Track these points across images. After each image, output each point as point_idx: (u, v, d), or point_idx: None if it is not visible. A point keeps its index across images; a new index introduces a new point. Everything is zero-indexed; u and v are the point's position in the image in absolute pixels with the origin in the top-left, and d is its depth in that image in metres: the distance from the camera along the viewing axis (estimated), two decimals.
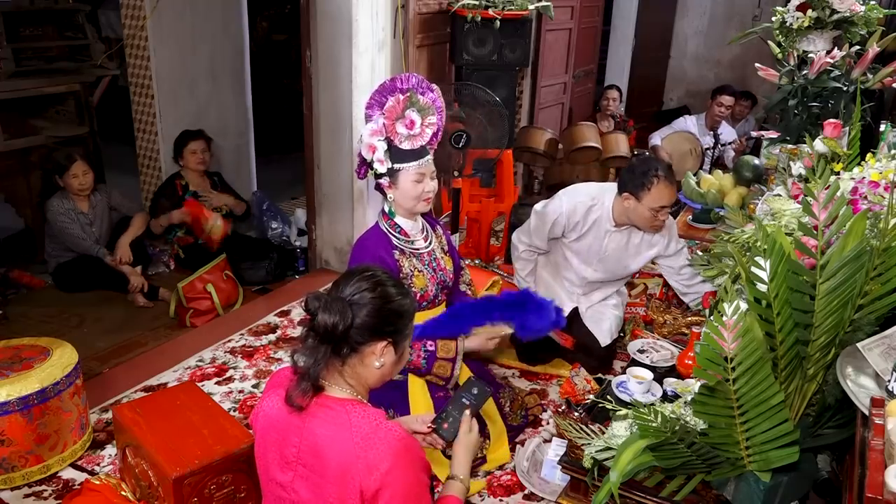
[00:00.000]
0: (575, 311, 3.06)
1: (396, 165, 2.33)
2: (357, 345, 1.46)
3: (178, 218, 3.95)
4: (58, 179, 3.73)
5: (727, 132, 5.33)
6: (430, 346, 2.36)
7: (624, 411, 1.92)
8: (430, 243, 2.50)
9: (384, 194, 2.41)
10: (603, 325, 3.03)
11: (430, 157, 2.40)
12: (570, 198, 2.90)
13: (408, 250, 2.42)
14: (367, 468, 1.37)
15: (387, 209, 2.43)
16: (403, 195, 2.37)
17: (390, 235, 2.41)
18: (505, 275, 3.86)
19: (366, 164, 2.39)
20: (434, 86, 2.41)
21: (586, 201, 2.87)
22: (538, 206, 2.99)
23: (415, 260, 2.42)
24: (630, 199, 2.72)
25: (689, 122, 5.38)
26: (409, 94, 2.33)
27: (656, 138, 5.28)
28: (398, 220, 2.42)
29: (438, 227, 2.62)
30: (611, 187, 2.87)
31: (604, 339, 3.00)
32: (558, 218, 2.88)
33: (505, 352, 3.10)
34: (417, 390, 2.39)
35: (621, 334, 3.20)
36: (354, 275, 1.51)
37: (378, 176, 2.37)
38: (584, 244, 2.93)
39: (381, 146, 2.31)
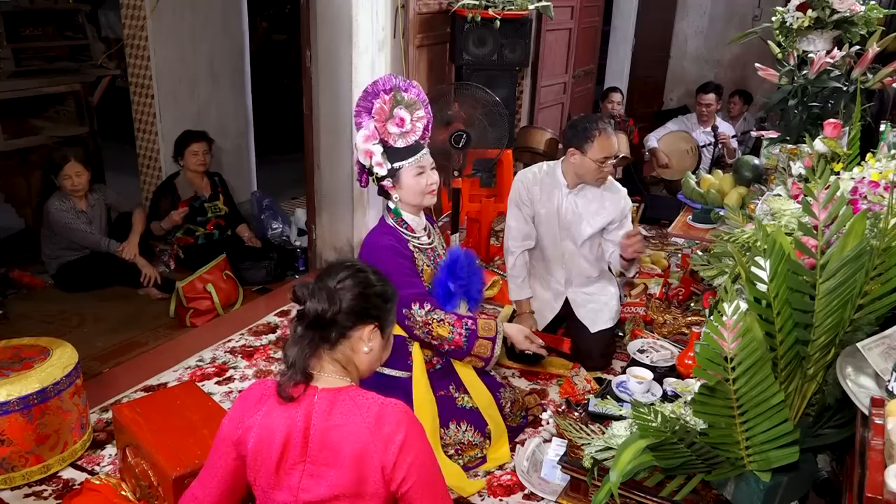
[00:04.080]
0: (569, 312, 3.07)
1: (396, 164, 2.35)
2: (345, 330, 1.51)
3: (180, 217, 3.95)
4: (55, 179, 3.73)
5: (724, 127, 5.36)
6: (471, 324, 2.37)
7: (624, 411, 1.92)
8: (432, 240, 2.53)
9: (388, 196, 2.42)
10: (594, 314, 3.04)
11: (426, 150, 2.42)
12: (520, 174, 3.08)
13: (415, 245, 2.44)
14: (384, 443, 1.43)
15: (392, 207, 2.44)
16: (409, 192, 2.38)
17: (399, 230, 2.42)
18: (505, 274, 3.85)
19: (365, 171, 2.41)
20: (414, 82, 2.43)
21: (535, 170, 3.05)
22: None
23: (422, 255, 2.44)
24: (576, 154, 2.85)
25: (682, 122, 5.45)
26: (393, 93, 2.34)
27: (652, 140, 5.31)
28: (404, 216, 2.44)
29: (436, 226, 2.64)
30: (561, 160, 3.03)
31: (593, 325, 3.02)
32: (519, 194, 3.02)
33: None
34: (421, 389, 2.39)
35: (621, 334, 3.20)
36: (337, 266, 1.58)
37: (380, 180, 2.38)
38: (545, 217, 3.02)
39: (377, 149, 2.34)
